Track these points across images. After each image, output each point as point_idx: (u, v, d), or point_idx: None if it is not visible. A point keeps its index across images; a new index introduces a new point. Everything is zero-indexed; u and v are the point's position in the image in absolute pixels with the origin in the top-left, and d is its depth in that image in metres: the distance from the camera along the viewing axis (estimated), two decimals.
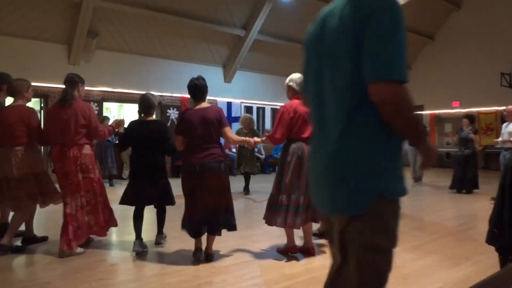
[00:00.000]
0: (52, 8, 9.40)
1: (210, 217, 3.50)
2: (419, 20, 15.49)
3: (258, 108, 13.97)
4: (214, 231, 3.57)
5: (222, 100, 13.10)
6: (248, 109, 13.68)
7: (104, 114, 11.24)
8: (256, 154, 12.88)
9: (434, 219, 5.41)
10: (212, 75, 12.83)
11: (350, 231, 1.39)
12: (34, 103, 10.47)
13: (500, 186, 2.61)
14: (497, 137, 8.33)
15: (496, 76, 13.97)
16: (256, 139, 3.97)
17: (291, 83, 3.80)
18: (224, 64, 13.03)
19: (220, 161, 3.55)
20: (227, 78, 13.07)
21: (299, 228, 3.66)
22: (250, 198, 7.59)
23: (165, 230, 4.31)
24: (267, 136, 3.85)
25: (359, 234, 1.38)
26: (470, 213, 6.04)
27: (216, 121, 3.60)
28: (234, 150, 12.15)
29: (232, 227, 3.65)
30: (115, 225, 4.19)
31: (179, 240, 4.27)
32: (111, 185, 9.22)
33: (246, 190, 8.18)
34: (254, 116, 13.51)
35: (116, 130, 4.36)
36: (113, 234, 4.68)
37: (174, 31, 11.37)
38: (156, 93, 11.66)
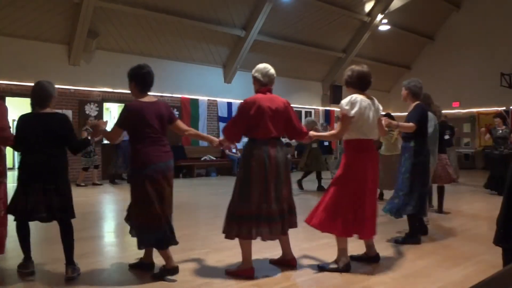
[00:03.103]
0: (52, 8, 9.40)
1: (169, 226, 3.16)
2: (419, 20, 15.51)
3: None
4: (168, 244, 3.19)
5: (222, 100, 13.09)
6: None
7: (104, 114, 11.26)
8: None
9: (434, 219, 5.41)
10: (212, 75, 12.84)
11: None
12: None
13: (507, 186, 2.58)
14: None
15: (496, 76, 13.97)
16: (216, 139, 3.58)
17: (256, 74, 3.34)
18: (224, 64, 13.04)
19: (173, 159, 3.31)
20: (227, 78, 13.08)
21: (274, 240, 3.28)
22: None
23: None
24: (224, 136, 3.43)
25: None
26: (470, 213, 6.04)
27: (168, 117, 3.30)
28: (234, 150, 12.14)
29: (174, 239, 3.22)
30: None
31: (179, 240, 4.26)
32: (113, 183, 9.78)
33: (322, 188, 8.09)
34: None
35: None
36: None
37: (174, 31, 11.37)
38: (156, 93, 11.80)
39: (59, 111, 10.21)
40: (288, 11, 12.42)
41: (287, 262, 3.41)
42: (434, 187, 5.81)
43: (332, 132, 3.52)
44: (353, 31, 14.67)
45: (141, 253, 3.38)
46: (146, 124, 3.12)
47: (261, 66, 3.38)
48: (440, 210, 5.79)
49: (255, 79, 3.36)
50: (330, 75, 15.69)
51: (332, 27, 13.88)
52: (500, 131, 7.92)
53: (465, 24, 15.56)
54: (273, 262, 3.51)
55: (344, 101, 3.32)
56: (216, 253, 3.79)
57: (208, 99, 12.84)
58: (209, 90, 12.75)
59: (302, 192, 8.29)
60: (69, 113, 10.18)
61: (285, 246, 3.43)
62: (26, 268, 3.19)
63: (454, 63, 15.63)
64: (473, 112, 15.44)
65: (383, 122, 3.66)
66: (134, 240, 3.83)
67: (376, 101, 3.47)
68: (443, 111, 6.13)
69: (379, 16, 14.22)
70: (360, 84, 3.40)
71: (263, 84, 3.32)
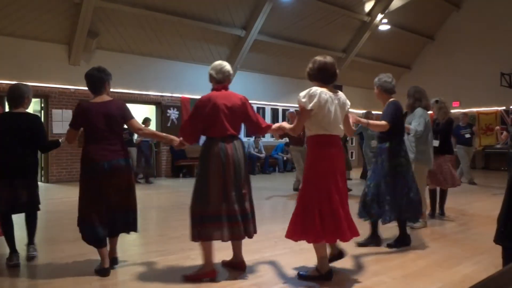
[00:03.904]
0: (53, 8, 9.40)
1: (115, 218, 3.26)
2: (419, 20, 15.51)
3: (258, 108, 13.97)
4: (117, 233, 3.37)
5: None
6: None
7: None
8: (255, 154, 12.89)
9: (434, 219, 5.41)
10: None
11: None
12: (34, 103, 10.48)
13: (508, 185, 2.58)
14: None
15: (496, 76, 13.97)
16: (176, 139, 3.43)
17: (210, 71, 3.30)
18: None
19: (127, 157, 3.38)
20: None
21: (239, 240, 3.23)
22: None
23: (163, 230, 4.14)
24: (181, 136, 3.34)
25: None
26: (470, 212, 6.05)
27: (120, 117, 3.35)
28: None
29: (134, 227, 3.40)
30: None
31: (178, 240, 4.27)
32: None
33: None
34: None
35: None
36: None
37: (174, 31, 11.37)
38: (156, 93, 11.83)
39: (60, 110, 10.30)
40: (288, 11, 12.42)
41: (236, 265, 3.33)
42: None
43: (290, 126, 3.26)
44: (353, 31, 14.66)
45: (140, 253, 3.38)
46: (91, 124, 3.27)
47: (217, 63, 3.34)
48: (441, 212, 5.68)
49: (210, 77, 3.32)
50: None
51: (332, 27, 13.87)
52: None
53: (465, 24, 15.56)
54: (225, 264, 3.44)
55: (302, 94, 3.05)
56: (215, 253, 3.78)
57: None
58: (209, 90, 12.72)
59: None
60: (69, 113, 10.18)
61: (236, 248, 3.33)
62: (10, 261, 3.39)
63: (454, 63, 15.63)
64: (473, 112, 15.43)
65: (350, 120, 3.39)
66: (134, 240, 3.86)
67: (341, 96, 3.17)
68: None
69: (379, 16, 14.22)
70: (322, 76, 3.11)
71: (217, 81, 3.29)
